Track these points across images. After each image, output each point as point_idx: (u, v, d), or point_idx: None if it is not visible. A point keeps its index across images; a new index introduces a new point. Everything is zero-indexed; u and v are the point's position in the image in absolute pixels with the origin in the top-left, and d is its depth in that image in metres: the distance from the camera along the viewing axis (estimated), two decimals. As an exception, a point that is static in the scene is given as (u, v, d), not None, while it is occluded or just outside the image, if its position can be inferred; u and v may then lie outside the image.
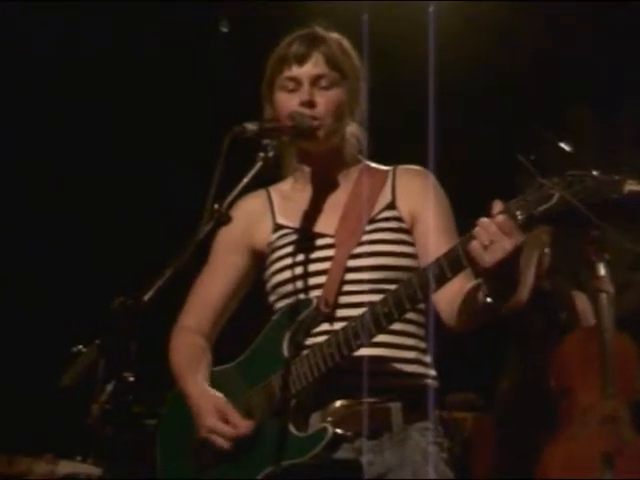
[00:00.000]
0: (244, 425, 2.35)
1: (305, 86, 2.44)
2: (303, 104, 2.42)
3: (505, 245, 1.99)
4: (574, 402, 4.65)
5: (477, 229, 2.02)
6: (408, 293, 2.17)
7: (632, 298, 6.47)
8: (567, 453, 4.52)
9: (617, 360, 4.64)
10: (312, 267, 2.40)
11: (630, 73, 5.89)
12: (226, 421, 2.36)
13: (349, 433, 2.30)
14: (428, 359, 2.44)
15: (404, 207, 2.45)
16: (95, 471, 4.16)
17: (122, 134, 5.74)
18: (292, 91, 2.45)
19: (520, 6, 5.53)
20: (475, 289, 2.18)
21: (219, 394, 2.42)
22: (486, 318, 2.29)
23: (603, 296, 4.79)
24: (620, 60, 5.91)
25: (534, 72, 6.09)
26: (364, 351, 2.29)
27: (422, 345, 2.44)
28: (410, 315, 2.38)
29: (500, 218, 2.00)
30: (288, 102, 2.44)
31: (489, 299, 2.13)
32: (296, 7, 4.95)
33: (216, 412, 2.37)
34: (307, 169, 2.55)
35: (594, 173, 1.95)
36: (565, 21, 5.80)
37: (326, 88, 2.45)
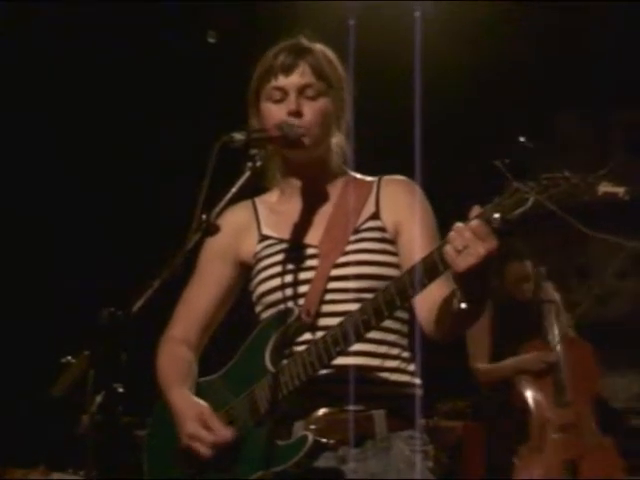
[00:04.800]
0: (224, 432, 2.35)
1: (292, 96, 2.44)
2: (290, 114, 2.42)
3: (479, 250, 1.99)
4: (532, 417, 4.73)
5: (451, 234, 2.03)
6: (386, 300, 2.17)
7: (620, 306, 6.50)
8: (532, 467, 4.62)
9: (575, 365, 4.75)
10: (296, 277, 2.40)
11: (619, 77, 5.91)
12: (207, 428, 2.35)
13: (331, 441, 2.31)
14: (412, 367, 2.45)
15: (388, 217, 2.46)
16: (86, 481, 4.17)
17: (109, 144, 5.75)
18: (279, 101, 2.46)
19: (507, 9, 5.55)
20: (451, 295, 2.19)
21: (203, 402, 2.43)
22: (463, 325, 2.31)
23: (548, 306, 4.88)
24: (609, 63, 5.94)
25: (522, 75, 6.12)
26: (347, 360, 2.30)
27: (405, 354, 2.44)
28: (393, 325, 2.40)
29: (474, 223, 2.01)
30: (275, 112, 2.45)
31: (463, 305, 2.13)
32: (282, 10, 4.97)
33: (198, 419, 2.37)
34: (294, 180, 2.55)
35: (569, 175, 1.96)
36: (552, 25, 5.82)
37: (313, 98, 2.46)
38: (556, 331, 4.84)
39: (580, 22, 5.79)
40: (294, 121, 2.42)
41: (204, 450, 2.34)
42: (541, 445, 4.67)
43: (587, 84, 6.17)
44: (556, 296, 5.06)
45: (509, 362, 4.86)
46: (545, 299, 4.97)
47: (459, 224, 2.03)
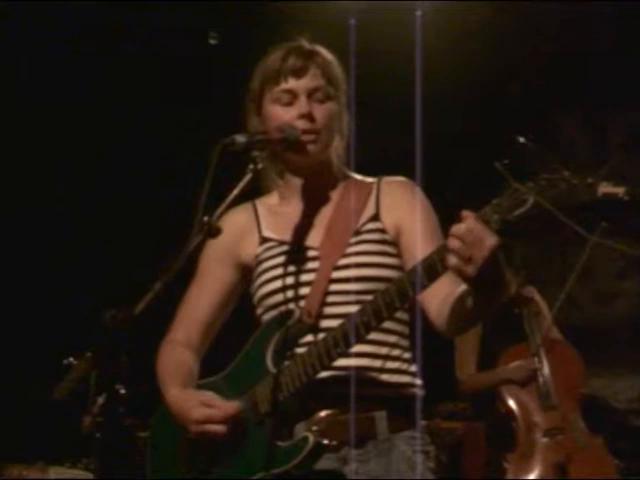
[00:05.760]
0: (230, 406, 2.35)
1: (302, 99, 2.43)
2: (303, 116, 2.41)
3: (483, 252, 1.98)
4: (518, 422, 4.73)
5: (454, 242, 2.01)
6: (386, 301, 2.18)
7: (622, 307, 6.50)
8: (523, 472, 4.62)
9: (560, 368, 4.73)
10: (297, 279, 2.40)
11: (618, 80, 5.92)
12: (213, 407, 2.35)
13: (334, 442, 2.31)
14: (413, 368, 2.45)
15: (388, 219, 2.45)
16: (85, 476, 4.19)
17: (110, 144, 5.75)
18: (287, 104, 2.43)
19: (507, 9, 5.55)
20: (465, 294, 2.18)
21: (201, 391, 2.42)
22: (477, 321, 2.33)
23: (527, 309, 4.86)
24: (609, 63, 5.94)
25: (522, 75, 6.12)
26: (349, 362, 2.31)
27: (406, 355, 2.45)
28: (394, 326, 2.41)
29: (471, 224, 2.00)
30: (284, 115, 2.43)
31: (479, 303, 2.14)
32: (282, 10, 4.97)
33: (201, 404, 2.36)
34: (295, 182, 2.54)
35: (568, 176, 1.95)
36: (554, 26, 5.82)
37: (322, 101, 2.45)
38: (537, 335, 4.82)
39: (580, 22, 5.80)
40: (306, 124, 2.41)
41: (218, 428, 2.33)
42: (530, 450, 4.66)
43: (587, 84, 6.17)
44: (537, 297, 5.03)
45: (492, 373, 4.84)
46: (524, 296, 4.93)
47: (458, 232, 2.01)
